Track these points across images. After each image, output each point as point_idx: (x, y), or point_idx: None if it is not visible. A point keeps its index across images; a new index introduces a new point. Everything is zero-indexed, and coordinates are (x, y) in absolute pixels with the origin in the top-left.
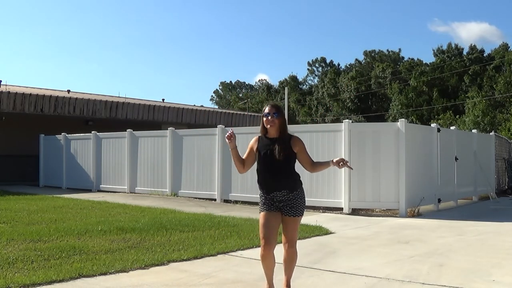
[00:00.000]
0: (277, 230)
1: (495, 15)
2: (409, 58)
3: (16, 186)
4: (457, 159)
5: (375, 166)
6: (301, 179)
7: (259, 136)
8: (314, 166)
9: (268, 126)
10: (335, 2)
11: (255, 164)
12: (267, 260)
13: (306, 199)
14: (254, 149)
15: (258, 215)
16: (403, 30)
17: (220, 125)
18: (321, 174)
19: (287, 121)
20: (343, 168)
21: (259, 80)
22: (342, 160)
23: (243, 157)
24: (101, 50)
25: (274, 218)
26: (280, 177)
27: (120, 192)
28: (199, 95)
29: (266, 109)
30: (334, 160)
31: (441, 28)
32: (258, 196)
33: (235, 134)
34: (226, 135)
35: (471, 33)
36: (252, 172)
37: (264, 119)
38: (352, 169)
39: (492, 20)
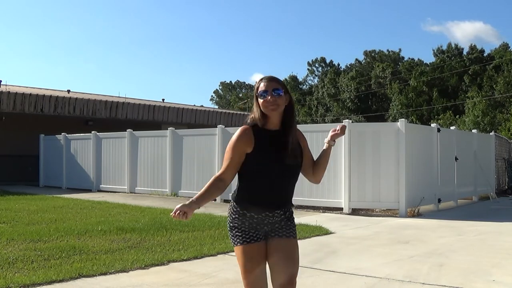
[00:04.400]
0: (265, 271)
1: (489, 14)
2: (409, 58)
3: (16, 186)
4: (457, 159)
5: (375, 166)
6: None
7: (251, 128)
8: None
9: (269, 109)
10: (335, 2)
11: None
12: None
13: (306, 199)
14: (248, 151)
15: None
16: (402, 30)
17: (220, 125)
18: None
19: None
20: (343, 168)
21: None
22: (334, 130)
23: (220, 173)
24: (101, 50)
25: (261, 253)
26: (287, 189)
27: (120, 192)
28: (199, 95)
29: (262, 85)
30: (329, 137)
31: (435, 27)
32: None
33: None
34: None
35: (466, 32)
36: None
37: (261, 100)
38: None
39: (487, 19)
